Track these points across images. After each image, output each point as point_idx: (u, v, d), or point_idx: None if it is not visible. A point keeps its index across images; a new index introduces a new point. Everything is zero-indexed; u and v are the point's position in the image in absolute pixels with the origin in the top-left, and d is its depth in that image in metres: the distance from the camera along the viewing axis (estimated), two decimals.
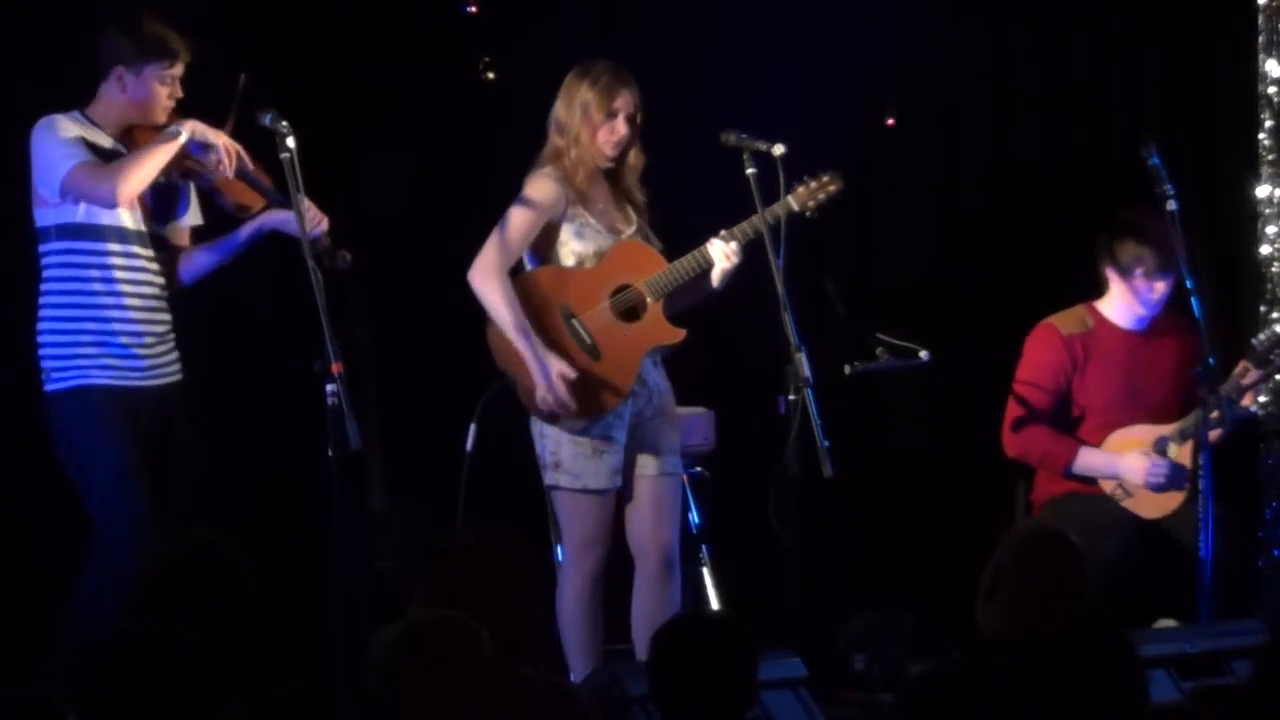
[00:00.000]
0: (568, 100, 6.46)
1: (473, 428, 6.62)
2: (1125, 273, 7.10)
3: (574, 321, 6.42)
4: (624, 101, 6.42)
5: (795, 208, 6.46)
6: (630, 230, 6.52)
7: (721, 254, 6.41)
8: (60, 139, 6.05)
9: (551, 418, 6.39)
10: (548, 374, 6.32)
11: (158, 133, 6.15)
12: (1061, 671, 3.71)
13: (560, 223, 6.44)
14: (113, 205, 6.04)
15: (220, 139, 6.10)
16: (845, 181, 6.51)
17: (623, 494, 6.47)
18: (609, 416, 6.39)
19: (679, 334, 6.46)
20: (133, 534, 5.95)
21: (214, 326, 6.82)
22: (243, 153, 6.13)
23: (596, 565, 6.41)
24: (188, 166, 6.16)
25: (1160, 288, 7.07)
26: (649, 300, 6.45)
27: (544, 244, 6.47)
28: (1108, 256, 7.13)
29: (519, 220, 6.42)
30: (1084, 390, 7.16)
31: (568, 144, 6.43)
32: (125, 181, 6.00)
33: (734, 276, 6.45)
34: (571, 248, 6.45)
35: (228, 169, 6.10)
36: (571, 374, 6.33)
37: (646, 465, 6.48)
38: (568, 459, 6.39)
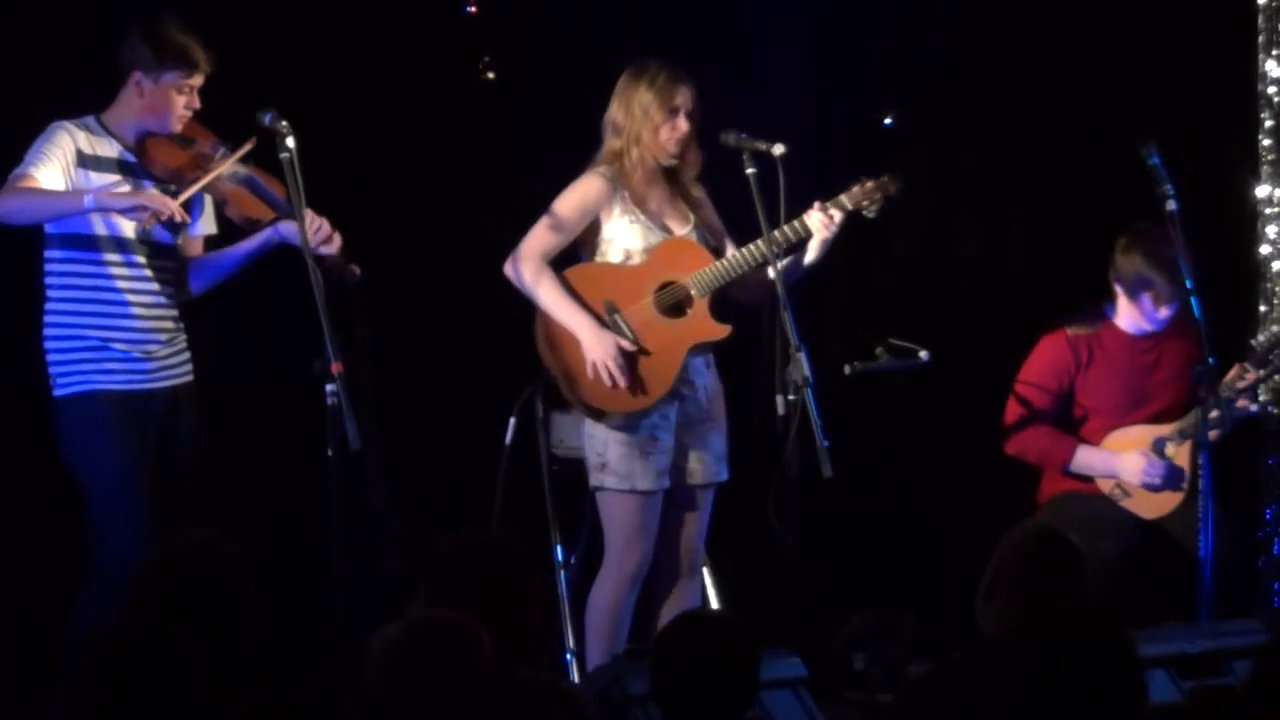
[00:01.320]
0: (624, 102, 6.45)
1: (512, 421, 6.64)
2: (1133, 294, 7.09)
3: (617, 316, 6.41)
4: (684, 98, 6.44)
5: (849, 206, 6.44)
6: (685, 229, 6.51)
7: (820, 223, 6.37)
8: (38, 147, 6.05)
9: (596, 414, 6.39)
10: (602, 343, 6.34)
11: (173, 145, 6.14)
12: (1061, 671, 3.70)
13: (608, 220, 6.45)
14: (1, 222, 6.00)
15: (146, 197, 5.96)
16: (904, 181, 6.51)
17: (665, 496, 6.46)
18: (654, 417, 6.39)
19: (724, 330, 6.45)
20: (130, 537, 5.95)
21: (215, 327, 6.82)
22: (180, 209, 6.02)
23: (638, 567, 6.41)
24: (198, 178, 6.13)
25: (1165, 313, 7.07)
26: (694, 296, 6.43)
27: (590, 241, 6.49)
28: (1117, 274, 7.12)
29: (560, 213, 6.45)
30: (1087, 391, 7.16)
31: (626, 145, 6.44)
32: (10, 209, 5.94)
33: (832, 248, 6.42)
34: (621, 244, 6.45)
35: (164, 218, 6.00)
36: (629, 347, 6.35)
37: (693, 473, 6.49)
38: (615, 460, 6.38)
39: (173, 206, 5.96)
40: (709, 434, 6.50)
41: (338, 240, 6.15)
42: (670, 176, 6.53)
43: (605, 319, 6.40)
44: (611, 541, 6.42)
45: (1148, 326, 7.13)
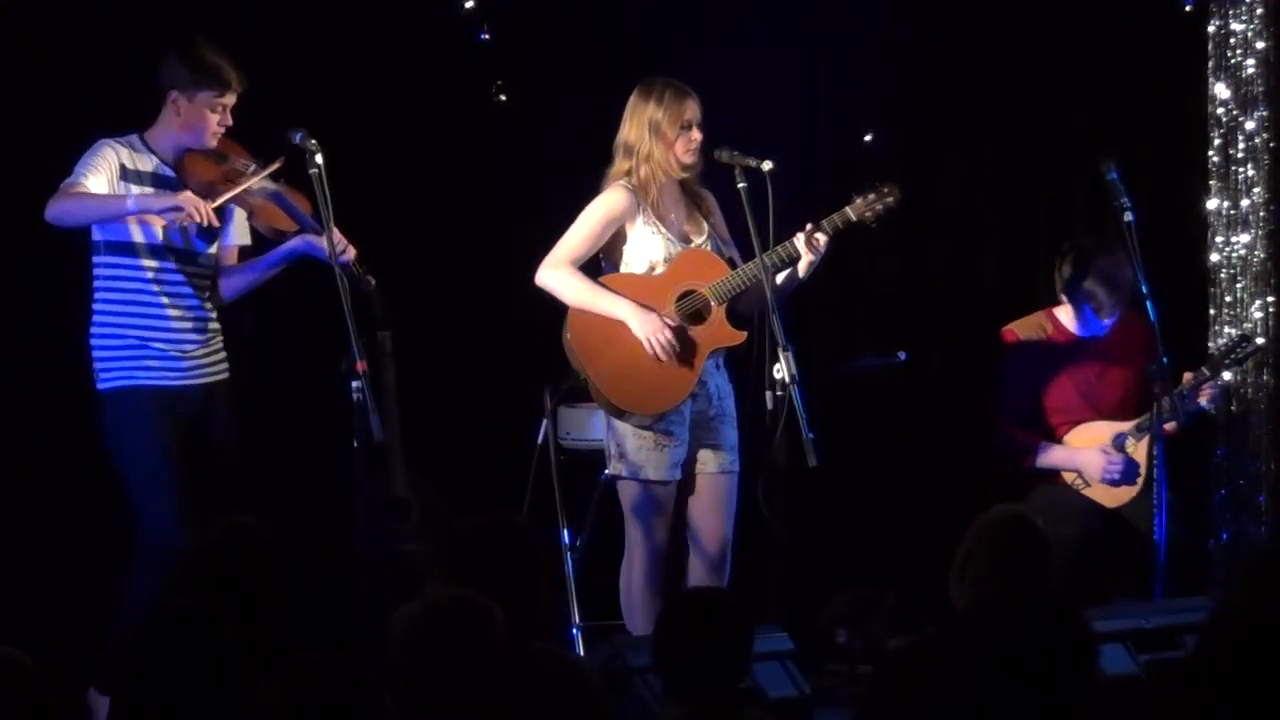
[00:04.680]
0: (635, 122, 6.36)
1: (545, 423, 6.58)
2: (1077, 305, 7.11)
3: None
4: (692, 111, 6.34)
5: (853, 218, 6.40)
6: (702, 239, 6.45)
7: (806, 245, 6.32)
8: (87, 160, 6.03)
9: (619, 413, 6.34)
10: (649, 319, 6.28)
11: (208, 160, 6.12)
12: (1019, 648, 3.67)
13: (631, 230, 6.39)
14: (51, 224, 5.96)
15: (182, 199, 5.93)
16: (902, 192, 6.47)
17: (684, 487, 6.41)
18: (670, 414, 6.33)
19: (740, 336, 6.39)
20: (168, 522, 5.95)
21: (250, 330, 6.81)
22: (210, 212, 5.96)
23: (659, 549, 6.34)
24: (229, 189, 6.12)
25: (1107, 322, 7.10)
26: (713, 304, 6.39)
27: (614, 252, 6.44)
28: (1063, 282, 7.13)
29: (584, 225, 6.38)
30: (1044, 391, 7.15)
31: (637, 163, 6.35)
32: (60, 211, 5.92)
33: (819, 267, 6.37)
34: (645, 254, 6.39)
35: (198, 219, 5.94)
36: (672, 322, 6.30)
37: (707, 462, 6.42)
38: (630, 451, 6.33)
39: (205, 209, 5.94)
40: (721, 428, 6.43)
41: (352, 252, 6.14)
42: (684, 186, 6.47)
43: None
44: (629, 526, 6.37)
45: (1093, 332, 7.14)
